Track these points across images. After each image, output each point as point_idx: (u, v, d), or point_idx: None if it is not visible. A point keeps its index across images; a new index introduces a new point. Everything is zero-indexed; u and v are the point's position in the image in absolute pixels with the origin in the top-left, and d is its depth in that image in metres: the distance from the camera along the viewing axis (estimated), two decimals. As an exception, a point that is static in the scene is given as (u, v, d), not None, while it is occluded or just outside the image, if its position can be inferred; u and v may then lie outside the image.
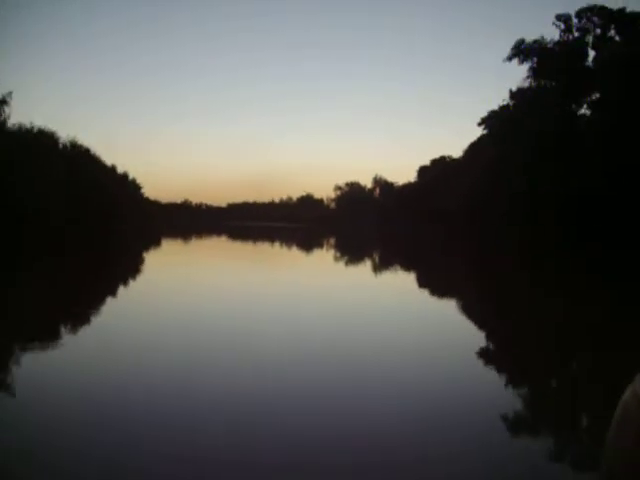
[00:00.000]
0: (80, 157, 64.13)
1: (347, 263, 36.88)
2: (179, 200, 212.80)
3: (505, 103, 47.70)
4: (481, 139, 57.99)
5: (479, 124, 54.56)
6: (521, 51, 42.40)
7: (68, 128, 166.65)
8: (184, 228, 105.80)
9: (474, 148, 61.10)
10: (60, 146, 60.82)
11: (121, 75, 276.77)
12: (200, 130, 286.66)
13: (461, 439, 5.50)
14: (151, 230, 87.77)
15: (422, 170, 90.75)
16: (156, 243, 53.66)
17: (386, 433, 5.69)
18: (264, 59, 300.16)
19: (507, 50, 42.77)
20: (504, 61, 43.45)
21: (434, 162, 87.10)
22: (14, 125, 48.98)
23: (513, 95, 44.96)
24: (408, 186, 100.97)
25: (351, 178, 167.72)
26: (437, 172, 78.20)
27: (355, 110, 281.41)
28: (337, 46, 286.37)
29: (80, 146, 67.33)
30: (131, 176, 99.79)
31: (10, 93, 45.30)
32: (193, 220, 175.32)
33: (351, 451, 5.22)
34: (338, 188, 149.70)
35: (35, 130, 52.95)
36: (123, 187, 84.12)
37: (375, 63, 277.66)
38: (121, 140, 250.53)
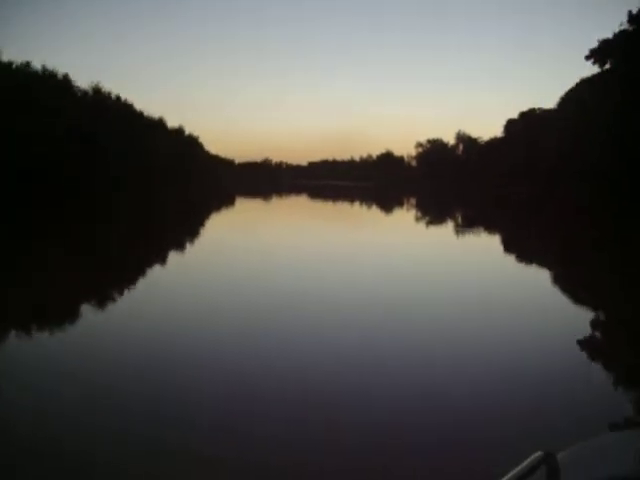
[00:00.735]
0: (103, 103, 55.62)
1: (428, 224, 35.02)
2: (259, 159, 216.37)
3: (623, 28, 38.65)
4: (579, 84, 52.10)
5: (587, 57, 45.39)
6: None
7: (141, 91, 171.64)
8: (264, 187, 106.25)
9: (572, 95, 54.92)
10: (76, 90, 52.95)
11: (204, 35, 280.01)
12: (283, 89, 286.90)
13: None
14: (220, 189, 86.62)
15: (509, 124, 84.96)
16: (227, 203, 52.19)
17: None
18: (347, 21, 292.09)
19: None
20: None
21: (523, 115, 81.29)
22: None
23: (633, 18, 37.00)
24: (493, 141, 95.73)
25: (433, 135, 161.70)
26: (526, 125, 73.10)
27: (440, 66, 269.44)
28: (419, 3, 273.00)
29: (106, 93, 58.29)
30: (187, 131, 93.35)
31: None
32: (273, 179, 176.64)
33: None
34: (419, 145, 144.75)
35: (46, 72, 46.58)
36: (173, 142, 75.43)
37: (456, 18, 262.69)
38: (201, 100, 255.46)
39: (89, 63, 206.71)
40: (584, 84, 49.44)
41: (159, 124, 76.79)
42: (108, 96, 60.54)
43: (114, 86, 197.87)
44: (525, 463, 1.35)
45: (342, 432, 4.79)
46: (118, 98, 62.46)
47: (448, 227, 33.85)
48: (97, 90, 58.01)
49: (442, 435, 4.84)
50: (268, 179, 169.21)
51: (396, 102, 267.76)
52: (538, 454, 1.40)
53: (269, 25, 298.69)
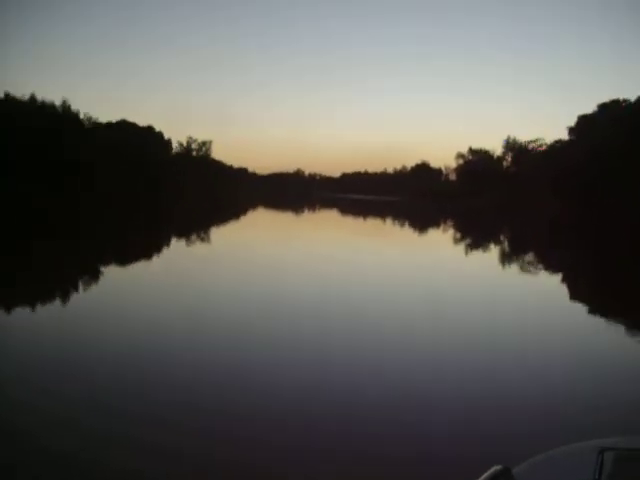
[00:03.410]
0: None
1: (468, 249, 25.59)
2: (292, 170, 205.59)
3: None
4: None
5: None
6: None
7: (179, 96, 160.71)
8: (294, 199, 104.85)
9: None
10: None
11: (235, 49, 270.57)
12: (318, 104, 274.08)
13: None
14: (232, 199, 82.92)
15: (581, 123, 64.45)
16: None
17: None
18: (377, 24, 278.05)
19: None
20: None
21: (603, 107, 60.19)
22: None
23: None
24: (556, 145, 76.83)
25: (476, 146, 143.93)
26: (608, 123, 53.13)
27: (481, 75, 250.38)
28: (456, 8, 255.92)
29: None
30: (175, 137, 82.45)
31: None
32: (305, 191, 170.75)
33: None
34: (460, 156, 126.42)
35: None
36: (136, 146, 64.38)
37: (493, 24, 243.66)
38: (234, 114, 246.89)
39: (115, 71, 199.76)
40: None
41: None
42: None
43: (146, 98, 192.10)
44: (482, 478, 1.37)
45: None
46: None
47: (492, 252, 24.63)
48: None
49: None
50: (300, 191, 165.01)
51: (434, 115, 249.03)
52: (494, 468, 1.41)
53: (303, 39, 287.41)
